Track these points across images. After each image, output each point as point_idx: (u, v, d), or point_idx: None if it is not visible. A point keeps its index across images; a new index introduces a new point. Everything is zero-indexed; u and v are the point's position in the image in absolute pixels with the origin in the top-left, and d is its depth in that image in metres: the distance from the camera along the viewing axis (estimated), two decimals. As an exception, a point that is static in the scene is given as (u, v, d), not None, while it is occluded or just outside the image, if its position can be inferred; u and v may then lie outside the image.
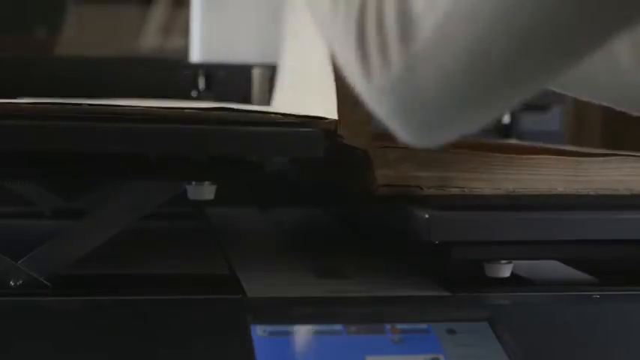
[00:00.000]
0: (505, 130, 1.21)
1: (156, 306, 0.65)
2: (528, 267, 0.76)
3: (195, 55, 1.34)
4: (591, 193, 0.71)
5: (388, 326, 0.63)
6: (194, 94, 1.16)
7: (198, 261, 0.81)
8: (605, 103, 0.63)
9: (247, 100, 1.17)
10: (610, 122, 1.57)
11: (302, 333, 0.62)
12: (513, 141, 1.14)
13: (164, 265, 0.78)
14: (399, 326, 0.63)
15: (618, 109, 0.63)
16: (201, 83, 1.16)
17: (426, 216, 0.65)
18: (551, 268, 0.78)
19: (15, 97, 0.99)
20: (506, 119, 1.23)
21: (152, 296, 0.66)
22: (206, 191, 0.67)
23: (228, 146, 0.65)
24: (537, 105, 1.24)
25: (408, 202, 0.68)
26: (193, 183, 0.66)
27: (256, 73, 1.18)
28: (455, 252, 0.67)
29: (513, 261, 0.71)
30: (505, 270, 0.70)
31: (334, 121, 0.70)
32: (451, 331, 0.64)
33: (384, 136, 0.67)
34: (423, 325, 0.64)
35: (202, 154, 0.67)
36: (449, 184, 0.70)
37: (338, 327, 0.63)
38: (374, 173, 0.70)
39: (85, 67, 1.18)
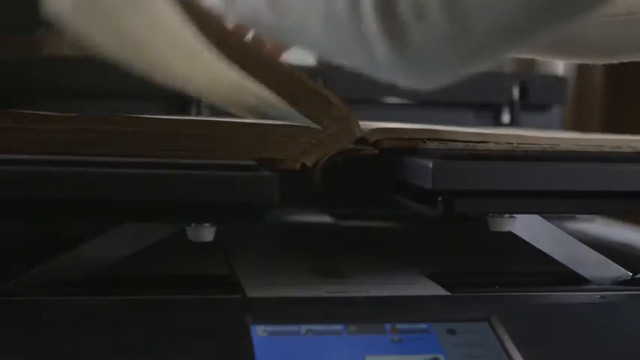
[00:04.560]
0: (505, 130, 1.21)
1: (156, 306, 0.65)
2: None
3: (195, 55, 1.33)
4: (595, 149, 0.72)
5: (388, 326, 0.63)
6: (194, 94, 1.16)
7: (199, 261, 0.81)
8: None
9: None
10: (610, 122, 1.57)
11: (302, 333, 0.62)
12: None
13: (164, 265, 0.78)
14: (399, 326, 0.63)
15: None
16: (202, 83, 1.16)
17: (430, 165, 0.65)
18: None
19: (15, 98, 0.99)
20: (506, 119, 1.23)
21: (152, 296, 0.66)
22: (206, 233, 0.66)
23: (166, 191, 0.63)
24: (537, 105, 1.24)
25: (411, 155, 0.68)
26: (193, 225, 0.66)
27: (256, 73, 1.18)
28: (458, 205, 0.66)
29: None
30: (508, 224, 0.69)
31: (295, 161, 0.68)
32: (451, 331, 0.64)
33: None
34: (423, 325, 0.64)
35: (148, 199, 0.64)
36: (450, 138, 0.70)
37: (338, 327, 0.63)
38: (366, 135, 0.70)
39: (85, 67, 1.18)
